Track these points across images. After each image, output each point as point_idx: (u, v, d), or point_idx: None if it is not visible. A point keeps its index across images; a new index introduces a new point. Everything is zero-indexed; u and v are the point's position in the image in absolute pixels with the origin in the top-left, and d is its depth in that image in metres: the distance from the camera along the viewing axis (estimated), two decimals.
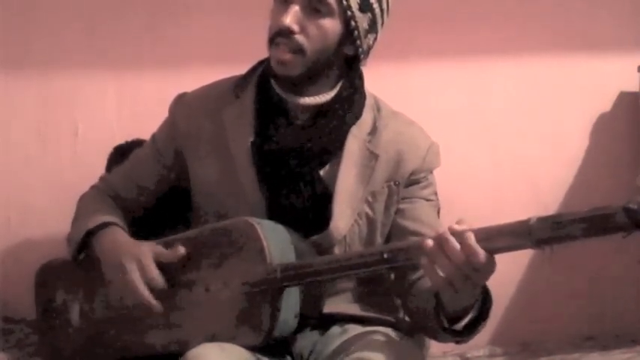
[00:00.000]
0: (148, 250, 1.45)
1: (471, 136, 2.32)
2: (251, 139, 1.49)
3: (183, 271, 1.44)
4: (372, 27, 1.47)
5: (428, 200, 1.56)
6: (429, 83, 2.29)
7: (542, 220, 1.14)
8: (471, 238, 1.19)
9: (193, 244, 1.45)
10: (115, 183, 1.64)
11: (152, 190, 1.63)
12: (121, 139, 1.88)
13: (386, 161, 1.51)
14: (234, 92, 1.54)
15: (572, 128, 2.41)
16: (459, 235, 1.20)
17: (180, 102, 1.60)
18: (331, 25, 1.43)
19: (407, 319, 1.55)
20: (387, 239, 1.54)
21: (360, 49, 1.48)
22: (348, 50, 1.48)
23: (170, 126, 1.59)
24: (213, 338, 1.37)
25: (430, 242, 1.22)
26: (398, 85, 2.13)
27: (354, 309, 1.53)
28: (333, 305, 1.50)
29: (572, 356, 2.27)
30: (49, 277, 1.68)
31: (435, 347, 1.63)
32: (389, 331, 1.49)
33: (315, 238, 1.47)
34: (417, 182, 1.54)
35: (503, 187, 2.35)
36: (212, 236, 1.43)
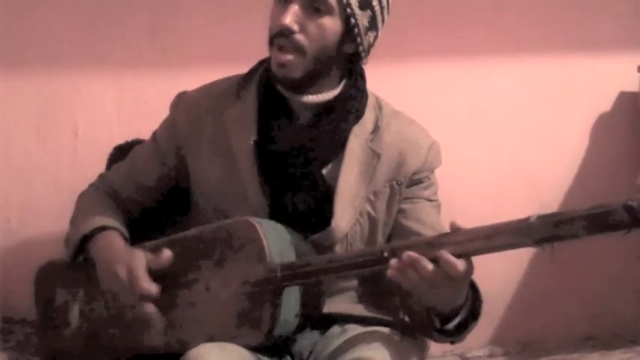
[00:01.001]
0: (139, 260, 1.43)
1: (471, 135, 2.32)
2: (253, 138, 1.49)
3: (183, 271, 1.44)
4: (373, 24, 1.47)
5: (430, 200, 1.56)
6: (429, 83, 2.29)
7: (542, 218, 1.14)
8: (445, 254, 1.20)
9: (193, 244, 1.45)
10: (114, 181, 1.64)
11: (152, 189, 1.62)
12: (121, 139, 1.88)
13: (388, 160, 1.51)
14: (235, 91, 1.54)
15: (572, 128, 2.41)
16: (435, 253, 1.21)
17: (182, 100, 1.59)
18: (331, 24, 1.43)
19: (407, 319, 1.55)
20: (389, 239, 1.54)
21: (361, 47, 1.47)
22: (349, 48, 1.47)
23: (171, 124, 1.59)
24: (213, 338, 1.37)
25: (394, 262, 1.24)
26: (398, 85, 2.13)
27: (354, 309, 1.53)
28: (333, 305, 1.50)
29: (572, 356, 2.27)
30: (49, 277, 1.68)
31: (435, 347, 1.63)
32: (389, 331, 1.48)
33: (316, 236, 1.47)
34: (419, 182, 1.54)
35: (503, 186, 2.36)
36: (212, 236, 1.43)
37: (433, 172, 1.57)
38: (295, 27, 1.41)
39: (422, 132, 1.57)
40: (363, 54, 1.50)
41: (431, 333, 1.38)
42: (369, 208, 1.51)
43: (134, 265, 1.42)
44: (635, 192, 1.07)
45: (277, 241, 1.39)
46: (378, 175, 1.51)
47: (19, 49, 2.06)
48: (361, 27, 1.45)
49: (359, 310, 1.53)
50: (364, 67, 1.55)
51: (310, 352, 1.47)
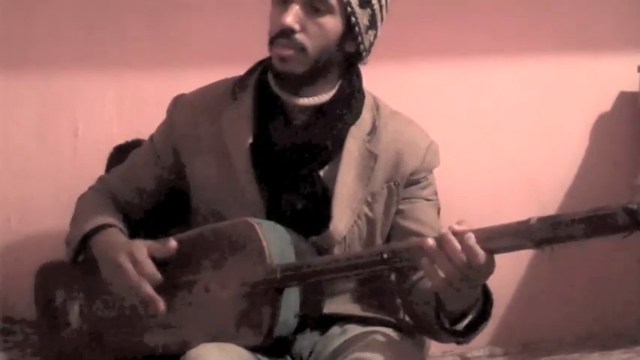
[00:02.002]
0: (141, 246, 1.44)
1: (471, 136, 2.32)
2: (250, 140, 1.49)
3: (183, 272, 1.44)
4: (372, 23, 1.47)
5: (428, 200, 1.55)
6: (429, 83, 2.29)
7: (543, 221, 1.13)
8: (472, 239, 1.19)
9: (193, 245, 1.45)
10: (112, 184, 1.64)
11: (150, 192, 1.62)
12: (121, 139, 1.88)
13: (385, 161, 1.51)
14: (232, 93, 1.54)
15: (572, 128, 2.41)
16: (460, 236, 1.20)
17: (179, 103, 1.59)
18: (332, 23, 1.43)
19: (407, 319, 1.55)
20: (387, 240, 1.54)
21: (362, 46, 1.47)
22: (350, 47, 1.47)
23: (168, 127, 1.59)
24: (213, 338, 1.37)
25: (431, 242, 1.22)
26: (398, 85, 2.13)
27: (354, 309, 1.53)
28: (333, 305, 1.50)
29: (572, 356, 2.27)
30: (49, 277, 1.68)
31: (435, 347, 1.63)
32: (389, 331, 1.48)
33: (314, 238, 1.47)
34: (416, 182, 1.54)
35: (502, 187, 2.36)
36: (212, 237, 1.43)
37: (431, 172, 1.57)
38: (297, 26, 1.41)
39: (420, 132, 1.57)
40: (364, 53, 1.50)
41: (439, 333, 1.38)
42: (366, 209, 1.51)
43: (135, 251, 1.43)
44: (635, 192, 1.07)
45: (277, 242, 1.39)
46: (376, 176, 1.50)
47: (19, 49, 2.06)
48: (362, 26, 1.45)
49: (359, 310, 1.53)
50: (364, 66, 1.55)
51: (310, 353, 1.47)
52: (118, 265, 1.44)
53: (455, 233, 1.20)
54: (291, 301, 1.38)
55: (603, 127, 2.42)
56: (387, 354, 1.35)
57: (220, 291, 1.40)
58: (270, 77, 1.50)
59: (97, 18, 2.09)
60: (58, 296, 1.64)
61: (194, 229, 1.49)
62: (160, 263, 1.44)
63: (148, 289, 1.41)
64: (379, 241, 1.53)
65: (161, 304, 1.41)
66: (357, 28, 1.45)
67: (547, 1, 2.36)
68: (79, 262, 1.58)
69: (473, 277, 1.21)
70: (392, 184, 1.52)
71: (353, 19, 1.44)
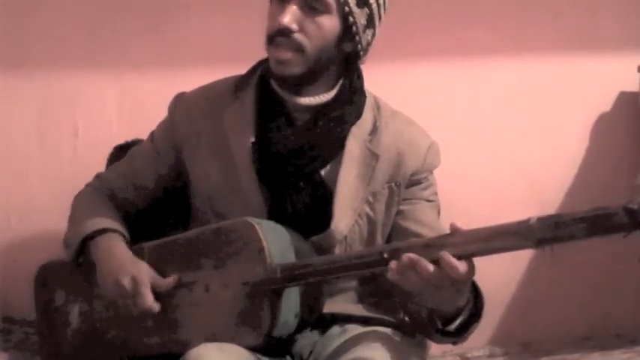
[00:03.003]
0: (145, 276, 1.44)
1: (471, 136, 2.32)
2: (251, 139, 1.49)
3: (184, 272, 1.44)
4: (370, 22, 1.47)
5: (429, 201, 1.55)
6: (429, 83, 2.29)
7: (542, 220, 1.13)
8: (446, 255, 1.20)
9: (193, 244, 1.45)
10: (111, 181, 1.64)
11: (149, 190, 1.62)
12: (120, 139, 1.87)
13: (386, 161, 1.51)
14: (234, 92, 1.54)
15: (572, 128, 2.41)
16: (436, 254, 1.21)
17: (180, 101, 1.59)
18: (329, 22, 1.43)
19: (407, 319, 1.55)
20: (388, 240, 1.54)
21: (360, 46, 1.48)
22: (348, 47, 1.47)
23: (169, 125, 1.59)
24: (213, 338, 1.37)
25: (394, 264, 1.23)
26: (398, 85, 2.13)
27: (354, 309, 1.53)
28: (333, 305, 1.50)
29: (572, 356, 2.27)
30: (49, 277, 1.68)
31: (435, 347, 1.63)
32: (389, 331, 1.48)
33: (315, 238, 1.47)
34: (417, 183, 1.54)
35: (503, 187, 2.36)
36: (212, 236, 1.43)
37: (432, 172, 1.57)
38: (294, 26, 1.41)
39: (421, 132, 1.57)
40: (361, 52, 1.50)
41: (432, 334, 1.38)
42: (367, 209, 1.51)
43: (140, 280, 1.43)
44: (635, 193, 1.07)
45: (277, 242, 1.39)
46: (377, 176, 1.51)
47: (20, 49, 2.07)
48: (359, 25, 1.45)
49: (359, 310, 1.53)
50: (363, 66, 1.55)
51: (310, 352, 1.47)
52: (119, 284, 1.45)
53: (452, 233, 1.20)
54: (291, 301, 1.38)
55: (603, 127, 2.42)
56: (387, 354, 1.35)
57: (220, 291, 1.40)
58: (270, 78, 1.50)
59: (97, 18, 2.09)
60: (58, 296, 1.64)
61: (194, 229, 1.49)
62: (160, 263, 1.44)
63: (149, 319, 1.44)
64: (380, 241, 1.53)
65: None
66: (354, 28, 1.45)
67: (547, 1, 2.36)
68: (79, 263, 1.58)
69: (448, 286, 1.22)
70: (393, 184, 1.52)
71: (350, 18, 1.44)
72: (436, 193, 1.58)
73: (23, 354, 1.94)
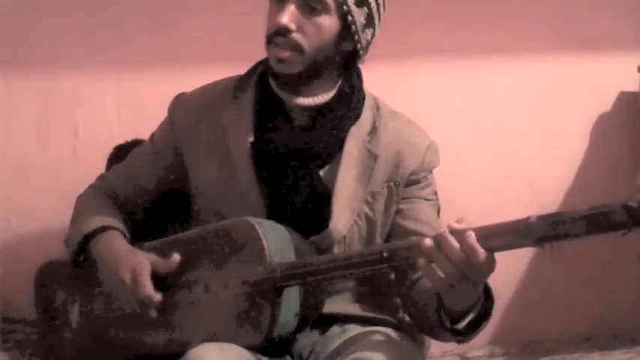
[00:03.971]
0: (145, 263, 1.44)
1: (471, 135, 2.32)
2: (251, 139, 1.49)
3: (184, 271, 1.44)
4: (369, 21, 1.47)
5: (428, 200, 1.55)
6: (429, 83, 2.29)
7: (542, 219, 1.13)
8: (472, 237, 1.18)
9: (193, 244, 1.45)
10: (113, 182, 1.64)
11: (151, 190, 1.62)
12: (120, 139, 1.88)
13: (385, 161, 1.51)
14: (233, 92, 1.54)
15: (572, 128, 2.41)
16: (459, 234, 1.19)
17: (179, 102, 1.60)
18: (328, 22, 1.43)
19: (407, 318, 1.55)
20: (387, 240, 1.54)
21: (359, 45, 1.48)
22: (347, 46, 1.48)
23: (169, 126, 1.59)
24: (213, 338, 1.37)
25: (428, 241, 1.22)
26: (397, 85, 2.13)
27: (354, 309, 1.53)
28: (333, 305, 1.50)
29: (572, 356, 2.27)
30: (49, 277, 1.68)
31: (435, 347, 1.63)
32: (389, 331, 1.49)
33: (314, 238, 1.47)
34: (416, 182, 1.54)
35: (502, 186, 2.36)
36: (212, 236, 1.43)
37: (431, 172, 1.57)
38: (293, 26, 1.41)
39: (420, 132, 1.57)
40: (361, 52, 1.50)
41: (439, 332, 1.37)
42: (366, 209, 1.51)
43: (139, 269, 1.43)
44: (635, 192, 1.06)
45: (277, 242, 1.39)
46: (376, 176, 1.51)
47: (20, 49, 2.06)
48: (358, 24, 1.45)
49: (359, 310, 1.53)
50: (363, 66, 1.56)
51: (310, 352, 1.47)
52: (119, 279, 1.45)
53: (453, 232, 1.20)
54: (291, 300, 1.38)
55: (603, 127, 2.42)
56: (387, 354, 1.34)
57: (220, 290, 1.40)
58: (270, 77, 1.50)
59: (97, 18, 2.09)
60: (58, 296, 1.65)
61: (194, 229, 1.49)
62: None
63: (149, 311, 1.43)
64: (379, 240, 1.53)
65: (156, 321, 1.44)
66: (353, 27, 1.45)
67: (547, 1, 2.36)
68: (79, 262, 1.58)
69: (473, 276, 1.20)
70: (392, 183, 1.52)
71: (349, 18, 1.44)
72: (435, 193, 1.58)
73: (23, 354, 1.94)
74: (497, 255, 1.21)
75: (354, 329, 1.48)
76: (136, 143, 1.76)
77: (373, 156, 1.51)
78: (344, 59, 1.50)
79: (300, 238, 1.45)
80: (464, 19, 2.29)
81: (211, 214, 1.53)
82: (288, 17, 1.41)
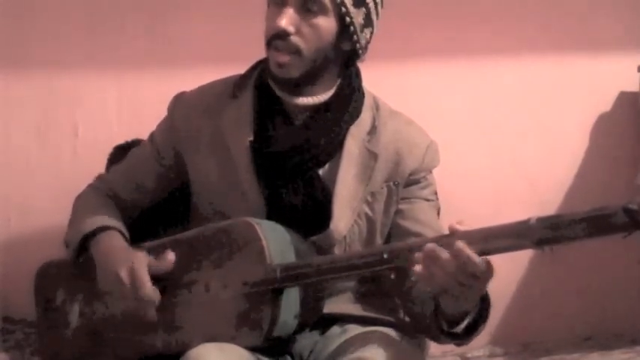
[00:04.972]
0: (142, 263, 1.44)
1: (471, 135, 2.32)
2: (250, 139, 1.49)
3: (183, 272, 1.44)
4: (368, 21, 1.47)
5: (427, 200, 1.55)
6: (429, 83, 2.29)
7: (542, 221, 1.13)
8: (464, 247, 1.18)
9: (193, 244, 1.45)
10: (112, 182, 1.64)
11: (150, 190, 1.62)
12: (121, 139, 1.87)
13: (385, 161, 1.51)
14: (233, 92, 1.54)
15: (572, 128, 2.41)
16: (451, 245, 1.19)
17: (179, 101, 1.60)
18: (326, 24, 1.43)
19: (407, 319, 1.55)
20: (387, 240, 1.54)
21: (358, 45, 1.48)
22: (346, 46, 1.48)
23: (169, 125, 1.59)
24: (213, 338, 1.37)
25: (420, 256, 1.21)
26: (397, 85, 2.13)
27: (354, 309, 1.53)
28: (333, 305, 1.50)
29: (572, 356, 2.27)
30: (49, 277, 1.68)
31: (434, 347, 1.63)
32: (389, 331, 1.49)
33: (314, 238, 1.47)
34: (416, 182, 1.54)
35: (503, 187, 2.36)
36: (212, 236, 1.43)
37: (431, 172, 1.57)
38: (291, 29, 1.42)
39: (419, 132, 1.57)
40: (360, 51, 1.50)
41: (437, 335, 1.38)
42: (366, 209, 1.51)
43: (136, 268, 1.43)
44: (635, 193, 1.06)
45: (277, 242, 1.39)
46: (376, 175, 1.51)
47: (20, 49, 2.06)
48: (357, 25, 1.45)
49: (359, 310, 1.53)
50: (362, 66, 1.56)
51: (310, 352, 1.47)
52: (116, 276, 1.44)
53: (450, 238, 1.20)
54: (291, 301, 1.38)
55: (603, 127, 2.42)
56: (387, 354, 1.35)
57: (220, 291, 1.40)
58: (269, 78, 1.50)
59: (97, 18, 2.09)
60: (58, 296, 1.64)
61: (194, 229, 1.49)
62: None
63: (149, 312, 1.43)
64: (379, 240, 1.53)
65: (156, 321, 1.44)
66: (352, 28, 1.45)
67: (547, 1, 2.36)
68: (79, 262, 1.58)
69: (470, 284, 1.21)
70: (392, 183, 1.52)
71: (347, 19, 1.44)
72: (435, 193, 1.58)
73: (23, 354, 1.94)
74: (497, 256, 1.21)
75: (354, 329, 1.48)
76: (136, 143, 1.76)
77: (373, 155, 1.51)
78: (343, 59, 1.50)
79: (300, 239, 1.45)
80: (464, 19, 2.29)
81: (211, 213, 1.53)
82: (286, 20, 1.41)
